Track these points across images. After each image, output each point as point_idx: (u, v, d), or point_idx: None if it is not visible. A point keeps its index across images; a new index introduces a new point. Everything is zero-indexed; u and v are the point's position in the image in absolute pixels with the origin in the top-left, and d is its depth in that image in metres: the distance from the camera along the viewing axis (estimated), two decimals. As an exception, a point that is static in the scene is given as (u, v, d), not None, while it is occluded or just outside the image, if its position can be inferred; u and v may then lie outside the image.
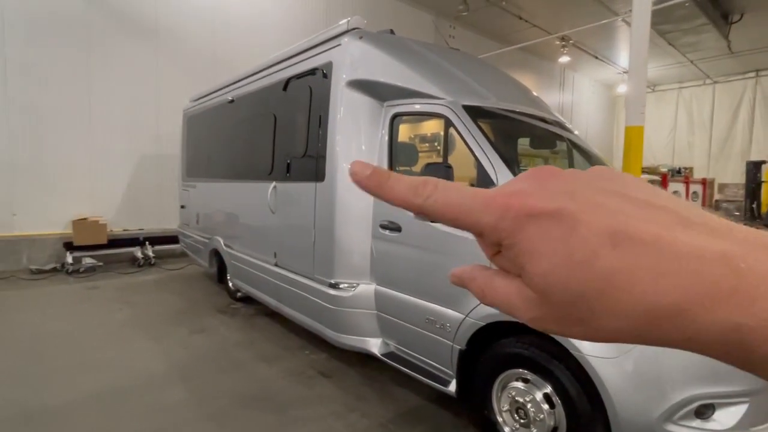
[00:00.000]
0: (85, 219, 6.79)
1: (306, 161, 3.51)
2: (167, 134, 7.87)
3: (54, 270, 6.58)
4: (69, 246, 6.67)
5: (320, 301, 3.33)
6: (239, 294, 5.08)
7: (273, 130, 4.04)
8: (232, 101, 4.87)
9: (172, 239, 7.36)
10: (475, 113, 2.66)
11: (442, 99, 2.76)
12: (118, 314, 4.72)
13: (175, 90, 7.85)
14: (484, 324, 2.34)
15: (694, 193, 9.19)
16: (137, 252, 7.19)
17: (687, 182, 9.21)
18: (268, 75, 4.26)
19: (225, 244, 5.00)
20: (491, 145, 2.49)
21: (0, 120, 6.44)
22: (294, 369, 3.47)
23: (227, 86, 5.09)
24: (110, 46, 7.31)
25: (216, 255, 5.35)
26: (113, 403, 2.91)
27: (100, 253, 6.90)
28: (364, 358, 3.52)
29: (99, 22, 7.19)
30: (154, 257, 7.23)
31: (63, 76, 6.90)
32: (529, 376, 2.20)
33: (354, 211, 3.13)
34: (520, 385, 2.24)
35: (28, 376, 3.25)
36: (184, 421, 2.72)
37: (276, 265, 3.97)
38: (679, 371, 1.80)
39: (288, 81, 3.86)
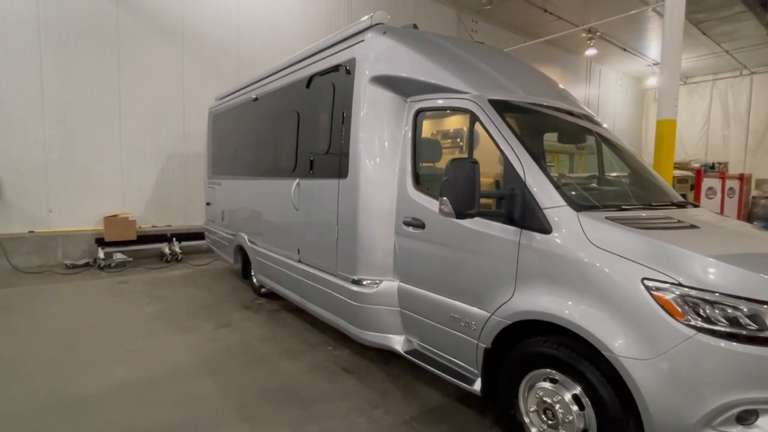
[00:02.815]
0: (115, 216, 7.00)
1: (329, 158, 3.51)
2: (193, 133, 8.04)
3: (87, 265, 6.82)
4: (101, 242, 6.90)
5: (343, 298, 3.34)
6: (263, 290, 5.15)
7: (296, 128, 4.07)
8: (256, 99, 4.93)
9: (198, 236, 7.54)
10: (502, 107, 2.60)
11: (467, 93, 2.71)
12: (147, 308, 4.86)
13: (200, 89, 8.02)
14: (510, 323, 2.29)
15: (730, 189, 8.81)
16: (165, 248, 7.38)
17: (723, 178, 8.83)
18: (291, 72, 4.29)
19: (249, 241, 5.07)
20: (518, 140, 2.42)
21: (36, 122, 6.70)
22: (317, 364, 3.49)
23: (251, 84, 5.15)
24: (139, 48, 7.51)
25: (241, 251, 5.43)
26: (143, 393, 2.99)
27: (130, 248, 7.12)
28: (387, 354, 3.51)
29: (128, 25, 7.38)
30: (180, 253, 7.41)
31: (94, 78, 7.12)
32: (558, 376, 2.14)
33: (377, 208, 3.11)
34: (548, 385, 2.19)
35: (64, 366, 3.38)
36: (211, 412, 2.77)
37: (299, 261, 3.99)
38: (719, 374, 1.72)
39: (311, 78, 3.87)
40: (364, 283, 3.16)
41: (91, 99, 7.12)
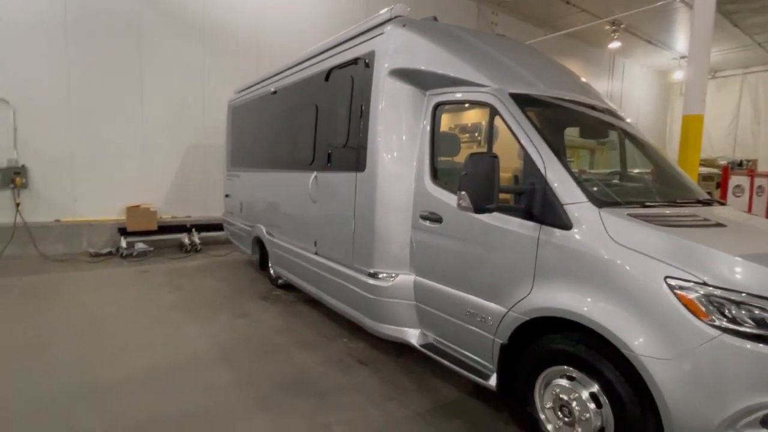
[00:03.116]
0: (137, 206, 7.17)
1: (347, 151, 3.52)
2: (212, 126, 8.14)
3: (110, 254, 7.00)
4: (123, 231, 7.08)
5: (359, 290, 3.36)
6: (280, 281, 5.21)
7: (314, 121, 4.08)
8: (274, 92, 4.96)
9: (217, 227, 7.67)
10: (523, 101, 2.57)
11: (488, 87, 2.68)
12: (167, 297, 4.97)
13: (220, 83, 8.11)
14: (527, 319, 2.27)
15: (759, 187, 8.51)
16: (184, 238, 7.53)
17: (752, 176, 8.53)
18: (310, 66, 4.30)
19: (267, 232, 5.13)
20: (539, 134, 2.39)
21: (62, 115, 6.89)
22: (332, 356, 3.52)
23: (270, 78, 5.19)
24: (160, 44, 7.63)
25: (258, 243, 5.51)
26: (163, 381, 3.07)
27: (151, 238, 7.28)
28: (402, 348, 3.52)
29: (150, 22, 7.50)
30: (199, 244, 7.54)
31: (117, 73, 7.27)
32: (575, 373, 2.12)
33: (394, 201, 3.11)
34: (564, 382, 2.17)
35: (87, 353, 3.49)
36: (228, 401, 2.83)
37: (316, 253, 4.03)
38: (745, 376, 1.68)
39: (330, 71, 3.87)
40: (380, 276, 3.18)
41: (115, 93, 7.28)
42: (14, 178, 6.54)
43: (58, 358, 3.37)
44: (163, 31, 7.64)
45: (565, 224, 2.18)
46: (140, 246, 7.13)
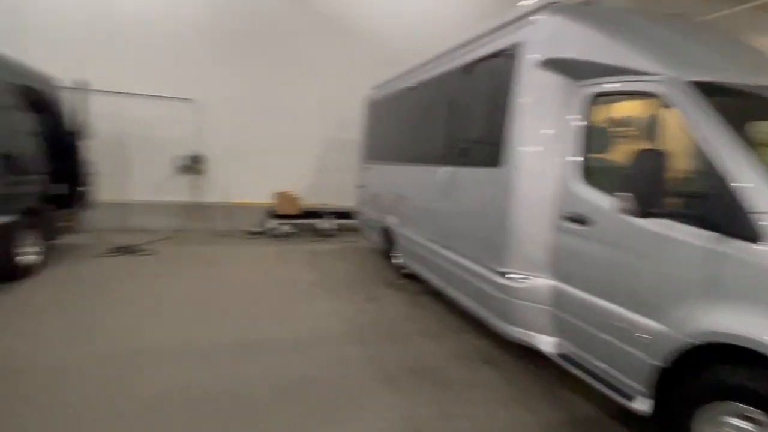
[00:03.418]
0: (284, 193, 8.08)
1: (484, 146, 3.46)
2: (350, 121, 8.70)
3: (260, 233, 8.06)
4: (272, 214, 8.07)
5: (489, 289, 3.30)
6: (405, 271, 5.40)
7: (452, 115, 4.10)
8: (413, 87, 5.10)
9: (349, 215, 8.26)
10: (705, 90, 2.20)
11: (658, 75, 2.36)
12: (307, 274, 5.54)
13: (357, 80, 8.56)
14: (696, 343, 1.97)
15: None
16: (321, 224, 8.26)
17: None
18: (450, 60, 4.31)
19: (396, 224, 5.35)
20: (727, 130, 2.03)
21: (231, 111, 8.10)
22: (457, 350, 3.54)
23: (408, 73, 5.35)
24: (309, 44, 8.45)
25: (387, 233, 5.77)
26: (301, 347, 3.45)
27: (294, 222, 8.16)
28: (529, 351, 3.36)
29: (302, 24, 8.38)
30: (334, 229, 8.20)
31: (274, 73, 8.28)
32: (760, 416, 1.78)
33: (533, 199, 2.97)
34: (742, 423, 1.83)
35: (239, 315, 4.09)
36: (359, 375, 3.05)
37: (445, 247, 4.06)
38: None
39: (471, 64, 3.84)
40: (513, 276, 3.07)
41: (271, 91, 8.30)
42: (195, 165, 7.93)
43: (218, 317, 4.01)
44: (312, 33, 8.44)
45: (753, 236, 1.83)
46: (285, 228, 8.04)
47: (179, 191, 7.96)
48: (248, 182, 8.34)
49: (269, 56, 8.25)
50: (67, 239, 5.94)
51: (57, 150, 5.47)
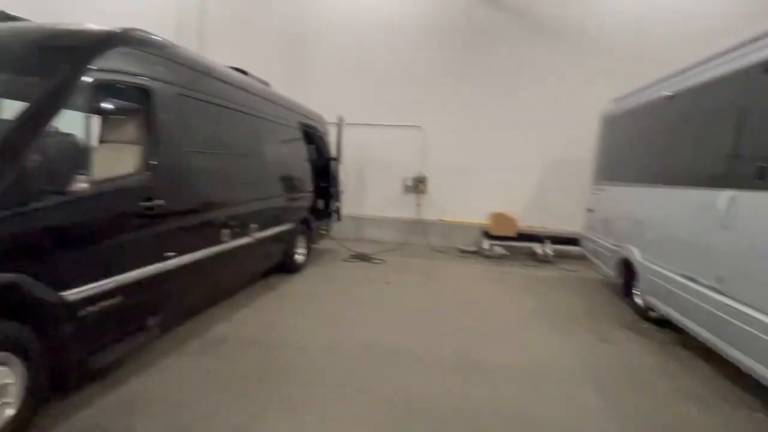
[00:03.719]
0: (501, 213, 7.97)
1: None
2: (576, 138, 8.04)
3: (474, 252, 8.13)
4: (486, 234, 8.06)
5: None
6: (651, 313, 4.53)
7: (736, 126, 3.26)
8: (670, 97, 4.32)
9: (570, 241, 7.59)
10: None
11: None
12: (527, 301, 5.26)
13: (587, 93, 7.90)
14: None
15: None
16: (537, 248, 7.80)
17: None
18: (728, 61, 3.47)
19: (640, 255, 4.56)
20: None
21: (452, 134, 8.54)
22: (738, 429, 2.71)
23: (665, 80, 4.55)
24: (534, 60, 8.21)
25: (625, 265, 4.98)
26: (527, 380, 3.21)
27: (508, 243, 7.95)
28: None
29: (527, 39, 8.21)
30: (552, 255, 7.63)
31: (496, 91, 8.34)
32: None
33: None
34: None
35: (465, 329, 4.11)
36: (596, 423, 2.64)
37: (720, 292, 3.21)
38: None
39: (773, 61, 2.97)
40: None
41: (492, 110, 8.39)
42: (418, 185, 8.64)
43: (444, 327, 4.13)
44: (538, 46, 8.18)
45: None
46: (498, 249, 7.91)
47: (404, 208, 8.80)
48: (465, 202, 8.58)
49: (490, 75, 8.36)
50: (321, 245, 7.26)
51: (319, 172, 6.85)
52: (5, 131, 2.15)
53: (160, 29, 3.42)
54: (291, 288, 5.27)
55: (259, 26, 8.97)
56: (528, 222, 8.22)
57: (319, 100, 7.63)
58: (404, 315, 4.49)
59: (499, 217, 7.97)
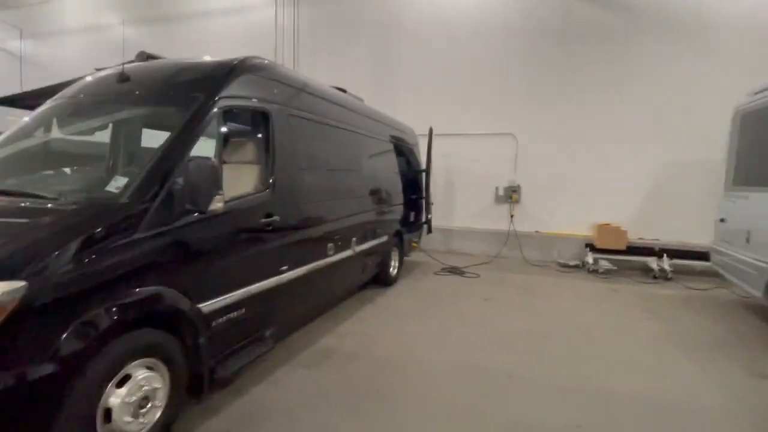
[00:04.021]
0: (608, 224, 7.29)
1: None
2: (697, 138, 7.14)
3: (576, 266, 7.51)
4: (590, 247, 7.41)
5: None
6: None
7: None
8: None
9: (692, 255, 6.73)
10: None
11: None
12: (646, 323, 4.68)
13: (710, 89, 7.01)
14: None
15: None
16: (652, 263, 6.98)
17: None
18: None
19: (800, 274, 3.82)
20: None
21: (548, 140, 8.02)
22: None
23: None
24: (640, 53, 7.46)
25: (777, 284, 4.21)
26: (667, 416, 2.79)
27: (616, 257, 7.22)
28: None
29: (633, 30, 7.49)
30: (670, 271, 6.77)
31: (596, 87, 7.70)
32: None
33: None
34: None
35: (579, 354, 3.73)
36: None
37: None
38: None
39: None
40: None
41: (593, 113, 7.76)
42: (511, 195, 8.23)
43: (557, 351, 3.79)
44: (646, 41, 7.43)
45: None
46: (604, 263, 7.21)
47: (495, 220, 8.44)
48: (563, 212, 8.02)
49: (590, 74, 7.75)
50: (411, 257, 7.20)
51: (409, 184, 6.82)
52: (154, 158, 2.39)
53: (261, 50, 3.64)
54: (388, 301, 5.25)
55: (347, 40, 9.28)
56: (637, 233, 7.42)
57: (406, 112, 7.66)
58: (509, 335, 4.21)
59: (605, 228, 7.29)
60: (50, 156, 3.32)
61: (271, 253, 3.15)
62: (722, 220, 5.45)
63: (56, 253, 1.84)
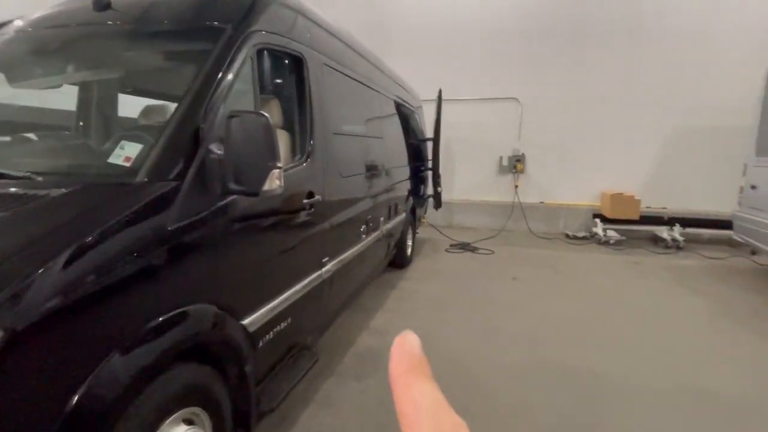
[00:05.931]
0: (620, 194, 6.99)
1: None
2: (714, 103, 6.87)
3: (584, 238, 7.23)
4: (599, 217, 7.13)
5: None
6: None
7: None
8: None
9: (707, 223, 6.63)
10: None
11: None
12: (690, 299, 4.40)
13: (731, 47, 6.72)
14: None
15: None
16: (662, 232, 6.80)
17: None
18: None
19: None
20: None
21: (555, 108, 7.54)
22: None
23: None
24: (647, 7, 7.03)
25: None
26: (744, 411, 2.44)
27: (625, 227, 6.98)
28: None
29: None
30: (682, 240, 6.61)
31: (607, 55, 7.25)
32: None
33: None
34: None
35: (643, 344, 3.35)
36: None
37: None
38: None
39: None
40: None
41: (602, 79, 7.32)
42: (516, 164, 7.76)
43: (622, 340, 3.39)
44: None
45: None
46: (612, 234, 6.96)
47: (497, 191, 7.99)
48: (569, 181, 7.67)
49: (599, 33, 7.25)
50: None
51: (416, 155, 6.12)
52: (178, 114, 1.62)
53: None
54: (411, 287, 4.68)
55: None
56: (645, 202, 7.19)
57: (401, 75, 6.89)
58: (561, 324, 3.75)
59: (616, 198, 6.99)
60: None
61: (312, 242, 2.46)
62: (753, 187, 5.21)
63: (39, 272, 1.08)
